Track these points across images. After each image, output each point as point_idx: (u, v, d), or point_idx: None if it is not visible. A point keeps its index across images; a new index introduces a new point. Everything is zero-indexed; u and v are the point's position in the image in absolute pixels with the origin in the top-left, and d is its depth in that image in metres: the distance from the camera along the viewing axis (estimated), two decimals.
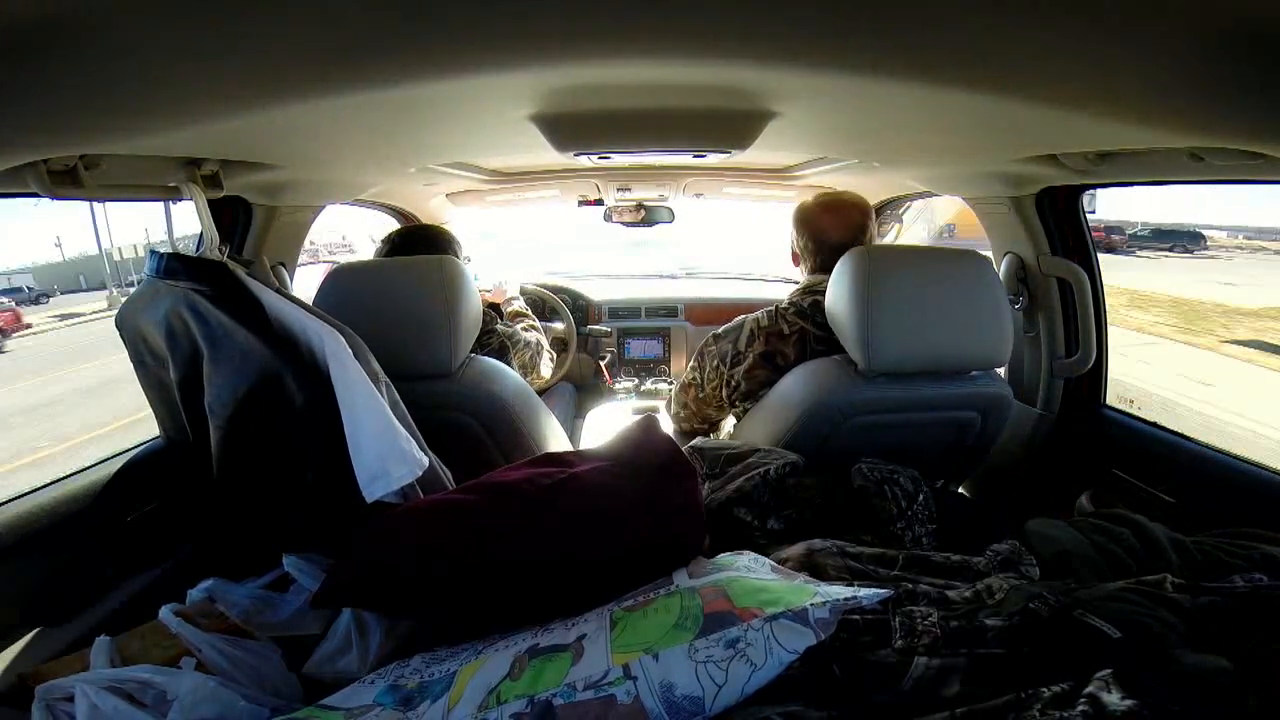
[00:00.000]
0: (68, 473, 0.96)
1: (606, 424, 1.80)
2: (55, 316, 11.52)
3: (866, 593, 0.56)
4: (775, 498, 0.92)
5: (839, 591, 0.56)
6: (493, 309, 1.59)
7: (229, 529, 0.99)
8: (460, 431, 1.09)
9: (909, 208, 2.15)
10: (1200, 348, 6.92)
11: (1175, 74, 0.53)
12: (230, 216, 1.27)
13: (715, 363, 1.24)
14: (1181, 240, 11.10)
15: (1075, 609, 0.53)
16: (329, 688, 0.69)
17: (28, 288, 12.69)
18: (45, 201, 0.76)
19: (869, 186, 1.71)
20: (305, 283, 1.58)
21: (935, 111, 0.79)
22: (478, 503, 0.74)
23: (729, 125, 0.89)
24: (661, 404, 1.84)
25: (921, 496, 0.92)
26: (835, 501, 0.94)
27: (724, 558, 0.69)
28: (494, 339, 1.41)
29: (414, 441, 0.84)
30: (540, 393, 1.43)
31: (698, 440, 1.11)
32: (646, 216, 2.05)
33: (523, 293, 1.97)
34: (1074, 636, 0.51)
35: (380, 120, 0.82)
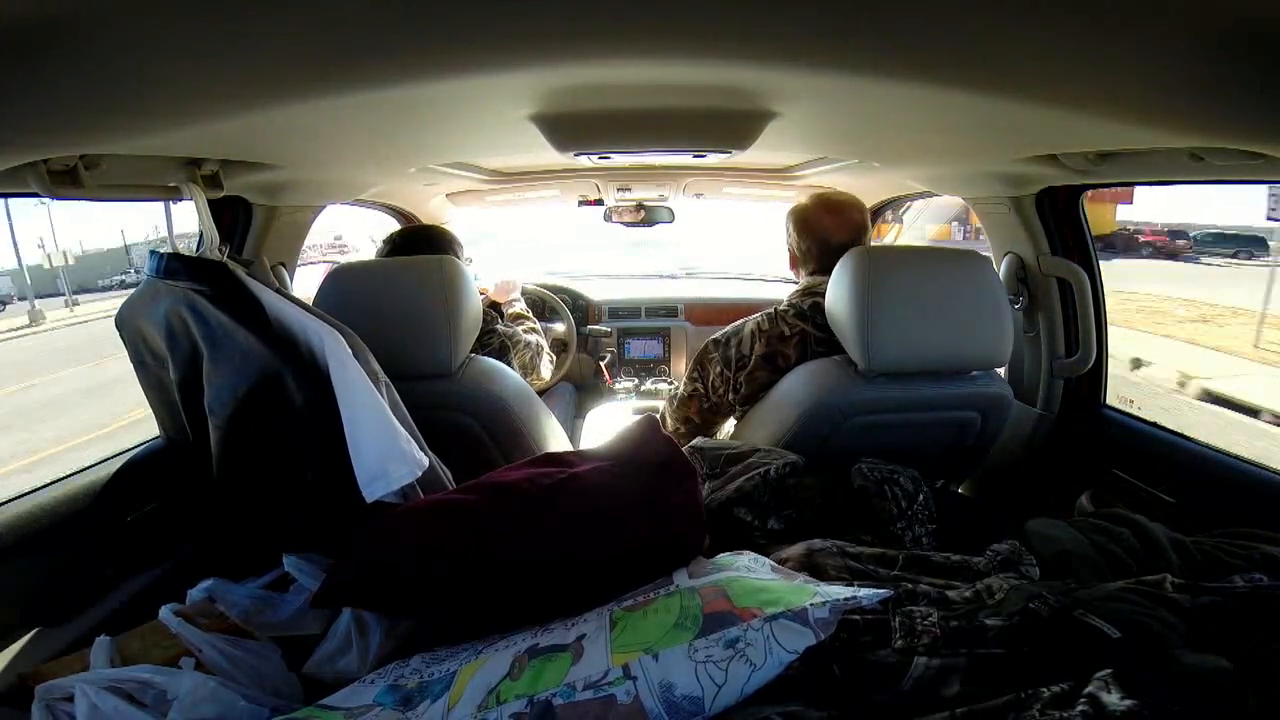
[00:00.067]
0: (68, 472, 0.96)
1: (606, 424, 1.81)
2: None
3: (866, 593, 0.56)
4: (775, 498, 0.92)
5: (839, 591, 0.56)
6: (494, 309, 1.59)
7: (229, 529, 0.99)
8: (460, 431, 1.09)
9: (909, 208, 2.16)
10: None
11: (1175, 74, 0.53)
12: (230, 216, 1.27)
13: (719, 369, 1.23)
14: (1246, 246, 9.56)
15: (1075, 609, 0.53)
16: (329, 688, 0.69)
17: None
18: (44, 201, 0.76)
19: (869, 186, 1.71)
20: (303, 283, 1.59)
21: (935, 111, 0.79)
22: (478, 503, 0.74)
23: (729, 125, 0.89)
24: (661, 404, 1.84)
25: (921, 496, 0.92)
26: (835, 501, 0.94)
27: (724, 558, 0.69)
28: (494, 339, 1.41)
29: (414, 441, 0.84)
30: (540, 393, 1.43)
31: (698, 440, 1.11)
32: (646, 216, 2.04)
33: (523, 293, 1.97)
34: (1074, 636, 0.51)
35: (380, 120, 0.82)
